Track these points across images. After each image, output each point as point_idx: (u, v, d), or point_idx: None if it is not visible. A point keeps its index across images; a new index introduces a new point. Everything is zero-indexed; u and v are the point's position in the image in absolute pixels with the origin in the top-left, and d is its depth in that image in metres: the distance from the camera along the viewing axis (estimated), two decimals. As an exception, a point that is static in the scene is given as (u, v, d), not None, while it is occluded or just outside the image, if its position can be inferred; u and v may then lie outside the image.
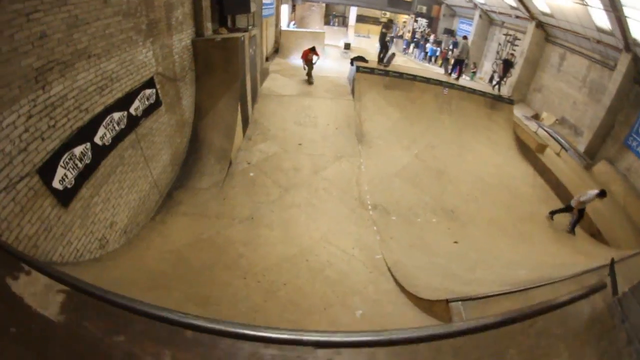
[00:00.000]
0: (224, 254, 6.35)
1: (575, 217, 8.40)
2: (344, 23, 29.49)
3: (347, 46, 19.94)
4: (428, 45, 24.31)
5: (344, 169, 9.03)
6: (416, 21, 27.30)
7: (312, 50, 12.88)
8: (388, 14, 25.64)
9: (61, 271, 2.01)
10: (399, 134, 10.84)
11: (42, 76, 3.91)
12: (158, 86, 6.32)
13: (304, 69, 13.18)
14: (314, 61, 12.96)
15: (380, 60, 13.01)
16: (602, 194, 8.00)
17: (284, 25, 20.20)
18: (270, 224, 7.30)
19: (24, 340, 1.59)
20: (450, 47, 22.30)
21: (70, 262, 4.37)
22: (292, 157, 9.02)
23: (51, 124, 4.15)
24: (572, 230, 8.48)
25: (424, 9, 26.46)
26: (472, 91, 12.74)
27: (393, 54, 13.65)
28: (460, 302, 4.25)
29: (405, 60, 22.14)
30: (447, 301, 4.35)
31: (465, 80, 14.80)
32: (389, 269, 6.41)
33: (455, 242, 7.39)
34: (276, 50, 17.49)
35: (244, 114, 8.77)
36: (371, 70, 12.22)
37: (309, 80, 13.08)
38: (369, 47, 17.17)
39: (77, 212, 4.58)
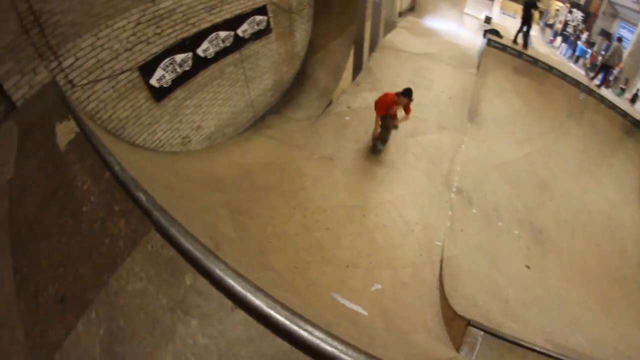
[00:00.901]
0: (288, 182, 6.83)
1: None
2: None
3: (488, 20, 17.36)
4: (579, 44, 19.77)
5: (442, 141, 8.48)
6: (570, 12, 22.43)
7: (401, 96, 6.56)
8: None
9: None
10: (516, 125, 9.54)
11: None
12: (271, 15, 6.78)
13: (378, 128, 7.12)
14: (397, 121, 6.98)
15: (515, 39, 11.13)
16: None
17: None
18: (345, 170, 7.43)
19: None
20: (603, 52, 17.89)
21: (151, 148, 5.48)
22: None
23: (157, 32, 5.00)
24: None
25: (582, 0, 21.50)
26: (612, 106, 10.29)
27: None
28: (482, 333, 3.74)
29: (548, 53, 18.30)
30: (469, 323, 3.84)
31: (607, 92, 11.77)
32: (441, 261, 5.95)
33: (527, 267, 6.49)
34: (412, 9, 16.23)
35: (357, 59, 8.76)
36: (503, 47, 10.71)
37: (376, 147, 7.48)
38: (512, 28, 14.61)
39: (168, 108, 5.56)
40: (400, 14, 14.99)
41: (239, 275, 1.28)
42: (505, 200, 7.69)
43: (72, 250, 1.72)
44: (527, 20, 11.06)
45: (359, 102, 8.88)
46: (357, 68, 9.14)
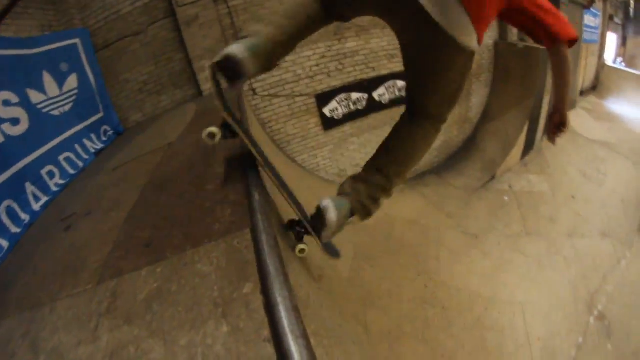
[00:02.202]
0: (424, 246, 6.33)
1: None
2: None
3: None
4: None
5: (600, 251, 6.93)
6: None
7: None
8: None
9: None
10: None
11: (340, 32, 5.15)
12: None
13: None
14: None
15: None
16: None
17: (609, 60, 15.53)
18: (487, 253, 6.63)
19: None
20: None
21: (308, 169, 5.83)
22: (555, 204, 7.54)
23: (339, 68, 5.51)
24: None
25: None
26: None
27: None
28: None
29: None
30: None
31: None
32: None
33: None
34: (594, 88, 13.59)
35: (529, 136, 7.88)
36: None
37: None
38: None
39: (334, 139, 5.97)
40: (582, 93, 12.93)
41: (295, 311, 1.15)
42: None
43: (179, 214, 1.97)
44: None
45: (522, 184, 7.95)
46: (528, 147, 8.22)
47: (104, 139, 4.51)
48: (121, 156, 3.78)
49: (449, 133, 7.64)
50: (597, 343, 5.66)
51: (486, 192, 7.69)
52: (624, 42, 19.13)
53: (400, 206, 7.01)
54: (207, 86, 4.28)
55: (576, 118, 11.11)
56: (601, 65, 14.69)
